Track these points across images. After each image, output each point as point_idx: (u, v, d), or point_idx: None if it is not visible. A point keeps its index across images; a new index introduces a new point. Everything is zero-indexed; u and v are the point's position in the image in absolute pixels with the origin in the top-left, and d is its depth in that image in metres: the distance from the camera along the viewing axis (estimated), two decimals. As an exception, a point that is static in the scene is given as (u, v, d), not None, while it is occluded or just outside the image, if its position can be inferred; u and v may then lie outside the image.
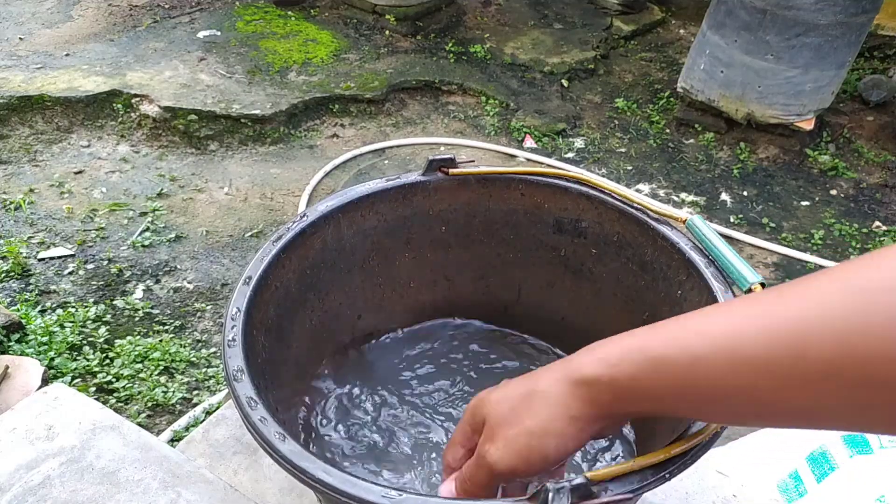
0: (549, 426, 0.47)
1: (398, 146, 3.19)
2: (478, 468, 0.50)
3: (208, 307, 2.27)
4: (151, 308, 2.24)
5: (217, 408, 1.44)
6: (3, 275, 2.29)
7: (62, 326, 2.07)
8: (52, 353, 1.95)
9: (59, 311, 2.16)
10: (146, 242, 2.50)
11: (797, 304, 0.37)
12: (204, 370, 2.03)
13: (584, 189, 0.87)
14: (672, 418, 0.47)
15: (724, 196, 3.03)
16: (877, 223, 2.90)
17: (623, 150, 3.29)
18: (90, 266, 2.38)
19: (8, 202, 2.61)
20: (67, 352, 2.00)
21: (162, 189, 2.78)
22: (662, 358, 0.42)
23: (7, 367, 1.72)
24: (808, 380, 0.36)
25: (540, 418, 0.47)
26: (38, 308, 2.17)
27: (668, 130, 3.43)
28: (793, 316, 0.37)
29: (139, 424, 1.40)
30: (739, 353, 0.38)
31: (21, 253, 2.36)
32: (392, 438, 0.89)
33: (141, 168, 2.89)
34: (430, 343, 1.01)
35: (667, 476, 0.51)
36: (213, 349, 2.12)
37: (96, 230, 2.54)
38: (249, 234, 2.61)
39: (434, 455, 0.87)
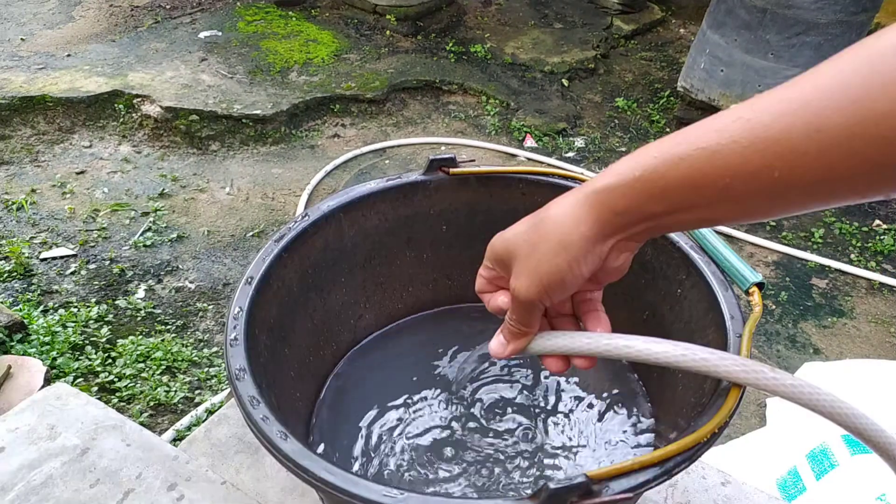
0: (560, 248, 0.48)
1: (399, 146, 3.19)
2: (513, 307, 0.54)
3: (210, 307, 2.28)
4: (153, 308, 2.25)
5: (219, 407, 1.45)
6: (6, 275, 2.29)
7: (64, 326, 2.07)
8: (54, 353, 1.96)
9: (62, 311, 2.17)
10: (148, 242, 2.51)
11: (810, 83, 0.38)
12: (206, 369, 2.04)
13: (585, 188, 0.87)
14: (684, 226, 0.49)
15: (725, 195, 3.03)
16: (877, 221, 2.90)
17: (623, 149, 3.29)
18: (92, 266, 2.39)
19: (10, 202, 2.62)
20: (70, 351, 2.01)
21: (163, 189, 2.78)
22: (679, 155, 0.43)
23: (10, 367, 1.72)
24: (823, 150, 0.37)
25: (552, 242, 0.48)
26: (41, 308, 2.18)
27: (668, 130, 3.43)
28: (807, 93, 0.38)
29: (141, 424, 1.41)
30: (758, 139, 0.39)
31: (23, 253, 2.37)
32: (394, 432, 0.89)
33: (143, 168, 2.90)
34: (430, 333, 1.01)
35: (667, 474, 0.51)
36: (215, 348, 2.12)
37: (98, 230, 2.54)
38: (251, 233, 2.62)
39: (435, 449, 0.87)
